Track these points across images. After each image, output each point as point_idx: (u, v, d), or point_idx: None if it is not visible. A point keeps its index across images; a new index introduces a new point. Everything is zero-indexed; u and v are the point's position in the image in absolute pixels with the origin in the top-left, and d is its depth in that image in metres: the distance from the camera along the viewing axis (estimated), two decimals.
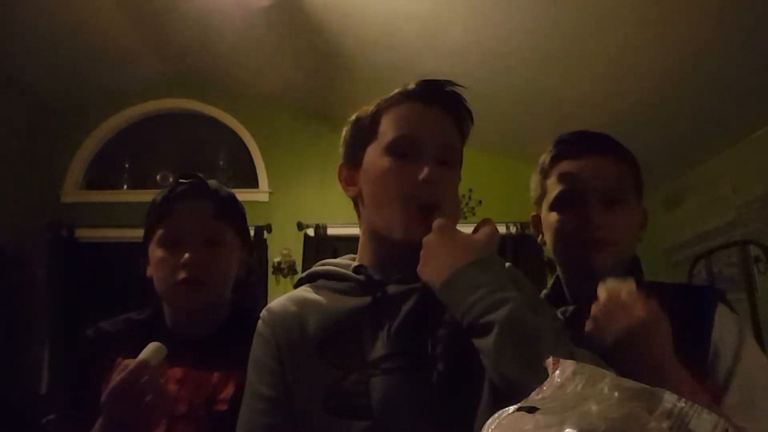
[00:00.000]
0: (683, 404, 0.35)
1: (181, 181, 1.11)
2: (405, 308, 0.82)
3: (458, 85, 0.91)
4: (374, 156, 0.88)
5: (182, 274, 1.02)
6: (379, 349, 0.80)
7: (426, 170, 0.83)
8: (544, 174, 1.03)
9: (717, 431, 0.34)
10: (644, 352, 0.74)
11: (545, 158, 1.04)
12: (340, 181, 0.95)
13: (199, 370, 1.01)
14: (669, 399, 0.35)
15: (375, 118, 0.90)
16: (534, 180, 1.07)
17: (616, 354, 0.74)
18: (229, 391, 0.98)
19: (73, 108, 4.35)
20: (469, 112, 0.92)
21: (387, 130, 0.88)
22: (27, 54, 3.62)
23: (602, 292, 0.81)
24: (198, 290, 1.04)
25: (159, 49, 3.96)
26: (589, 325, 0.80)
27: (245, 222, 1.16)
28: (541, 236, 1.06)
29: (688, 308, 0.90)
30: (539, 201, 1.05)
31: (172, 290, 1.04)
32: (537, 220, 1.07)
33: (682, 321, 0.82)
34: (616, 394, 0.36)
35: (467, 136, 0.93)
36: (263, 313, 0.90)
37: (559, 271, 1.05)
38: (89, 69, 3.96)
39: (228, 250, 1.09)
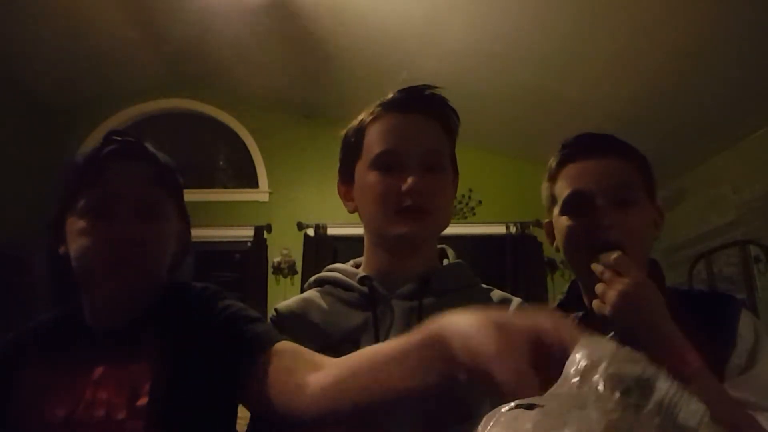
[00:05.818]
0: (674, 390, 0.36)
1: (113, 138, 0.90)
2: (401, 328, 0.83)
3: (437, 87, 0.90)
4: (362, 172, 0.90)
5: (115, 251, 0.84)
6: None
7: (409, 181, 0.84)
8: (552, 179, 1.03)
9: (703, 420, 0.35)
10: (641, 310, 0.81)
11: (552, 163, 1.03)
12: (340, 197, 0.97)
13: (119, 365, 0.85)
14: (661, 386, 0.36)
15: (359, 135, 0.91)
16: (543, 187, 1.06)
17: (617, 317, 0.81)
18: (149, 381, 0.83)
19: (73, 108, 4.35)
20: (453, 111, 0.92)
21: (370, 145, 0.89)
22: (27, 54, 3.63)
23: (598, 268, 0.87)
24: (134, 270, 0.86)
25: (159, 50, 3.95)
26: (596, 304, 0.85)
27: (182, 192, 0.98)
28: (555, 243, 1.04)
29: (713, 313, 0.91)
30: (550, 208, 1.04)
31: (99, 271, 0.86)
32: (550, 228, 1.06)
33: (707, 324, 0.86)
34: (616, 393, 0.36)
35: (456, 135, 0.93)
36: (272, 313, 0.93)
37: (575, 275, 1.05)
38: (89, 69, 3.96)
39: (167, 223, 0.91)
